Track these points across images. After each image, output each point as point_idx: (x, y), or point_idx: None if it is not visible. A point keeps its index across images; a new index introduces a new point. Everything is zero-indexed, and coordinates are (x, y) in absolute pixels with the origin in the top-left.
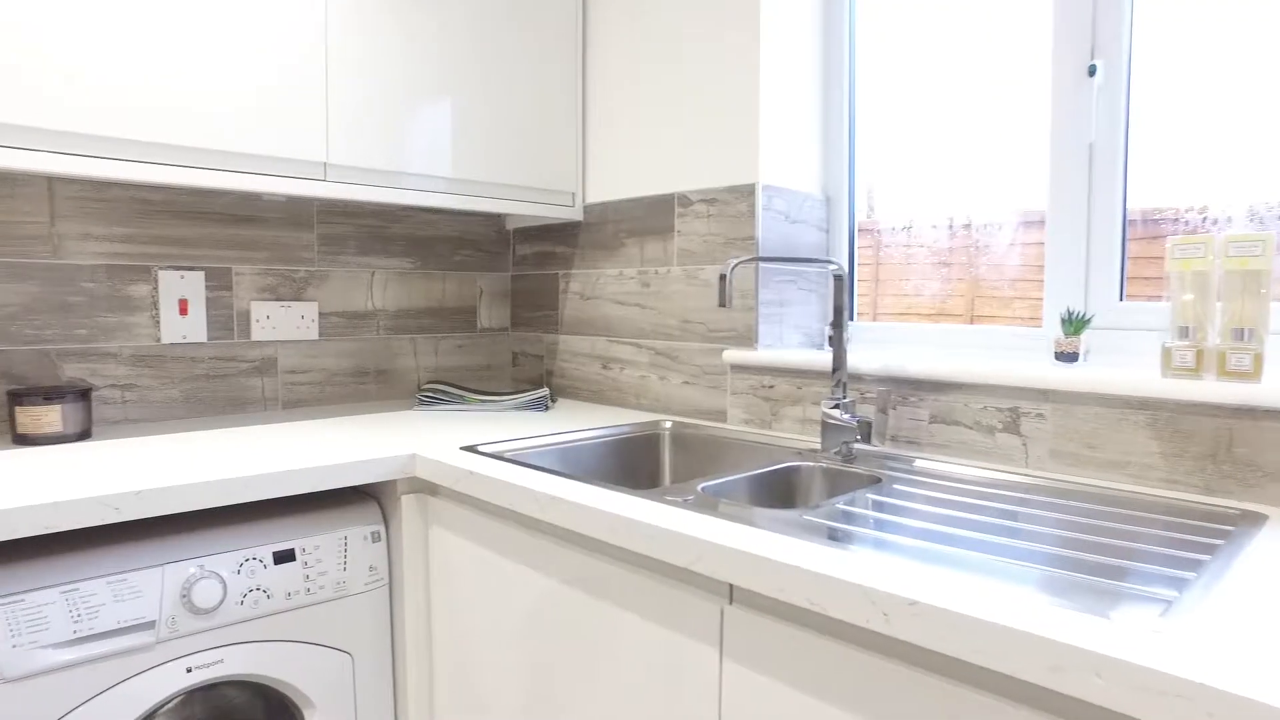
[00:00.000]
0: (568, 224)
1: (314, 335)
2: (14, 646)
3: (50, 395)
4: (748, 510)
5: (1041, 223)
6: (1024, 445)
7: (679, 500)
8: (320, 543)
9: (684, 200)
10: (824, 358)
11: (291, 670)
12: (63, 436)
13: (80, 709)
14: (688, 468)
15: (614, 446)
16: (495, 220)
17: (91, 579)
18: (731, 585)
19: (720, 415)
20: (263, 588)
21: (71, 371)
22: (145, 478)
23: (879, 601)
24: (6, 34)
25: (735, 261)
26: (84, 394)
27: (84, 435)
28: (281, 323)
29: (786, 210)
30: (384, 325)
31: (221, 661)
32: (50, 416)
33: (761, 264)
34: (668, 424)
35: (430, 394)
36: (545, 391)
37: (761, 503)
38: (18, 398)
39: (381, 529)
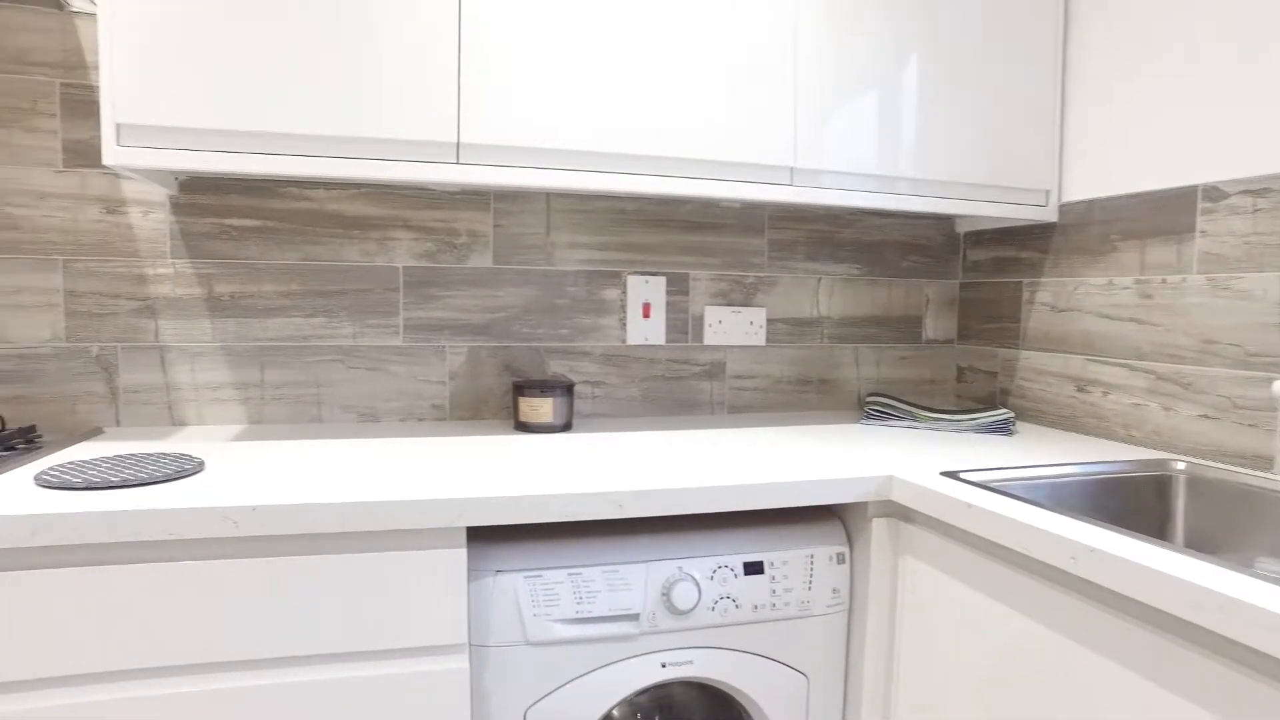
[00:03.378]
0: (1035, 226)
1: (761, 341)
2: (534, 615)
3: (545, 388)
4: None
5: None
6: None
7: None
8: (788, 558)
9: (1213, 193)
10: None
11: (752, 683)
12: (551, 426)
13: (575, 682)
14: (1213, 525)
15: (1107, 486)
16: (945, 223)
17: (591, 566)
18: None
19: (1260, 461)
20: (732, 596)
21: (555, 367)
22: (637, 478)
23: None
24: (516, 73)
25: None
26: (569, 389)
27: (567, 426)
28: (731, 328)
29: None
30: (828, 333)
31: (691, 662)
32: (545, 408)
33: None
34: (1180, 465)
35: (878, 408)
36: (1010, 414)
37: None
38: (520, 389)
39: (846, 550)
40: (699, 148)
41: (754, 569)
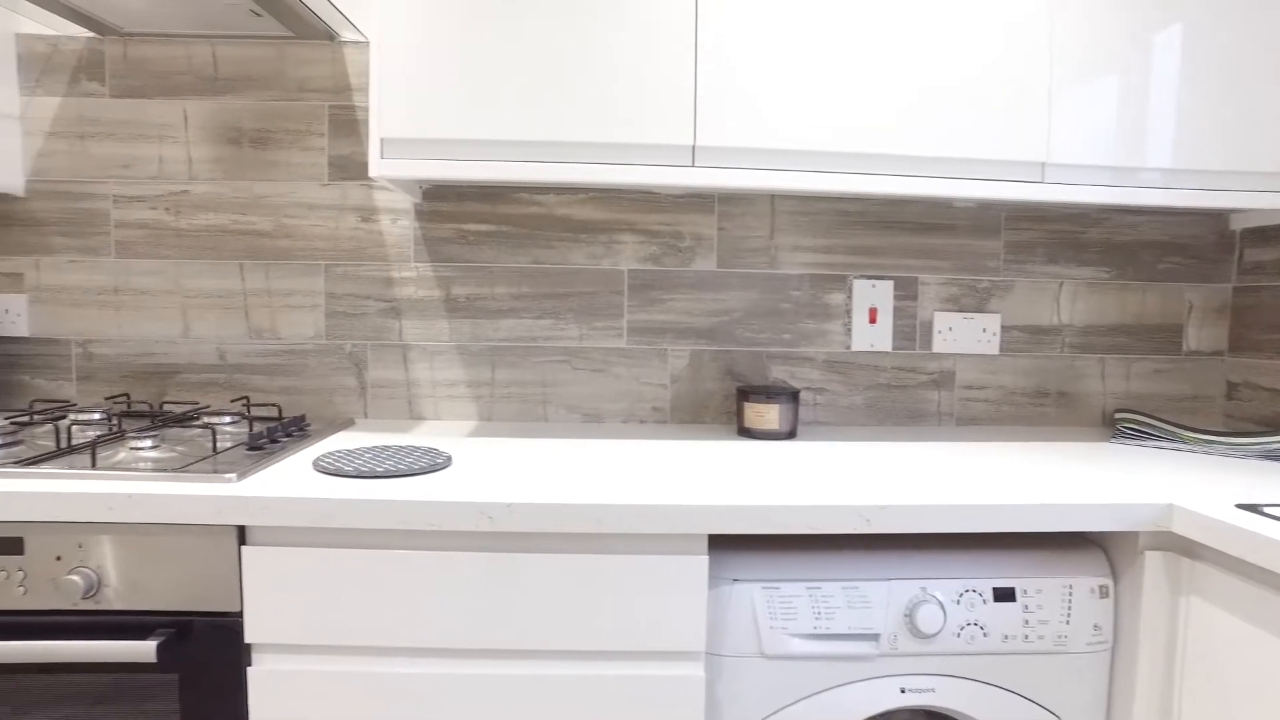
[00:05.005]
0: None
1: (994, 350)
2: (771, 628)
3: (771, 395)
4: None
5: None
6: None
7: None
8: (1042, 587)
9: None
10: None
11: (997, 719)
12: (776, 434)
13: (809, 700)
14: None
15: None
16: (1216, 220)
17: (830, 581)
18: None
19: None
20: (980, 623)
21: (776, 373)
22: (879, 491)
23: None
24: (752, 74)
25: None
26: (794, 396)
27: (791, 434)
28: (962, 335)
29: None
30: (1069, 342)
31: (933, 690)
32: (770, 414)
33: None
34: None
35: (1131, 426)
36: None
37: None
38: (745, 395)
39: (1110, 583)
40: (937, 144)
41: (1004, 596)
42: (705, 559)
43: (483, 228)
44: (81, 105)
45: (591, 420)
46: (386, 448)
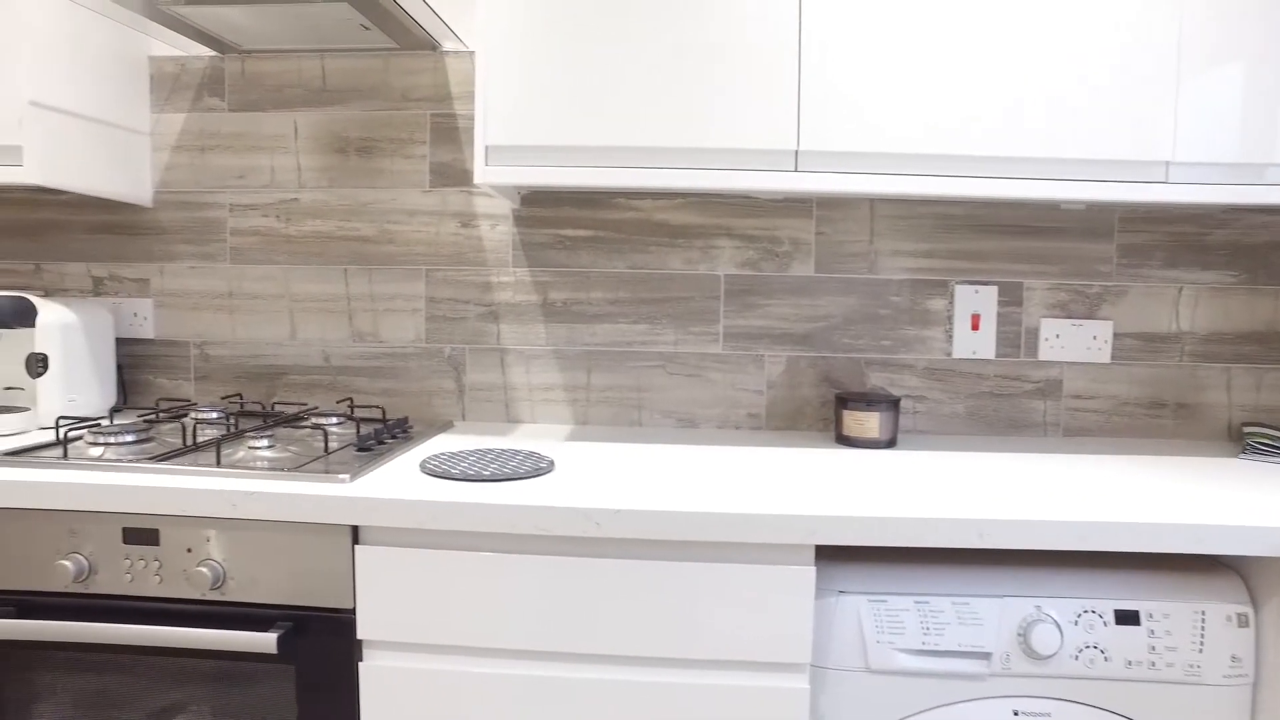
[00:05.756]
0: None
1: (1105, 358)
2: (877, 642)
3: (870, 402)
4: None
5: None
6: None
7: None
8: (1170, 611)
9: None
10: None
11: None
12: (876, 442)
13: (914, 718)
14: None
15: None
16: None
17: (939, 595)
18: None
19: None
20: (1100, 646)
21: (874, 379)
22: (991, 504)
23: None
24: (858, 77)
25: None
26: (895, 403)
27: (891, 443)
28: (1070, 342)
29: None
30: (1190, 351)
31: (1049, 715)
32: (870, 422)
33: None
34: None
35: (1264, 441)
36: None
37: None
38: (844, 402)
39: (1249, 611)
40: (1052, 145)
41: (1127, 619)
42: (813, 570)
43: (580, 233)
44: (203, 120)
45: (686, 426)
46: (489, 451)
